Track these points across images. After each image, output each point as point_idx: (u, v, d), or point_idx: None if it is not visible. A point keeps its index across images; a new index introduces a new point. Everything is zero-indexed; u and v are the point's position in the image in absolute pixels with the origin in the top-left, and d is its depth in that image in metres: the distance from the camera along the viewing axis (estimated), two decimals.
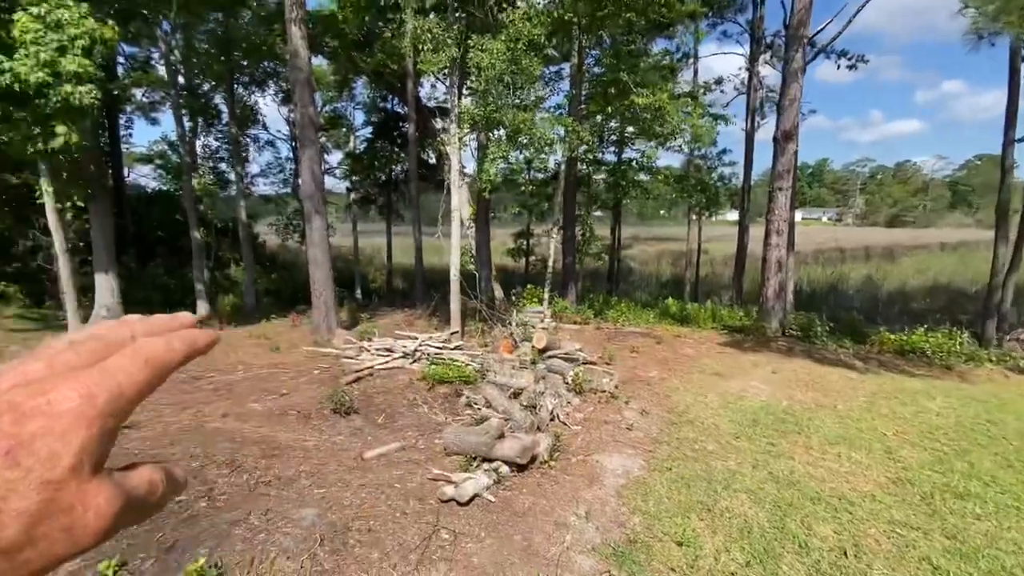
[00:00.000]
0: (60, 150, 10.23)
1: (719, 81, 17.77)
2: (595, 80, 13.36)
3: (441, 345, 8.51)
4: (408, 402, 6.65)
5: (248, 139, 21.84)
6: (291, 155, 22.73)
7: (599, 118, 13.36)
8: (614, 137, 15.95)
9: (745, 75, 17.81)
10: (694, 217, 19.38)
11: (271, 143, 24.25)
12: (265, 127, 21.94)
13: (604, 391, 7.04)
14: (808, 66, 12.23)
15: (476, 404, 6.27)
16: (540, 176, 17.97)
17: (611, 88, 11.48)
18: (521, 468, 4.84)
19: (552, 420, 5.99)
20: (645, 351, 9.81)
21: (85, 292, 14.29)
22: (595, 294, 15.16)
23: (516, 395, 6.17)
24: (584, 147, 11.21)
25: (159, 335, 0.34)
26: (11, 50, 9.28)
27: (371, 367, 7.83)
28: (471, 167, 14.13)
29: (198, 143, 20.43)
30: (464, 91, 10.84)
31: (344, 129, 20.81)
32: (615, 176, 15.63)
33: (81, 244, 15.58)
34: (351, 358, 8.35)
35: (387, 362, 8.05)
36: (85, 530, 0.27)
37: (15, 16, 9.31)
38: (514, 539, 3.91)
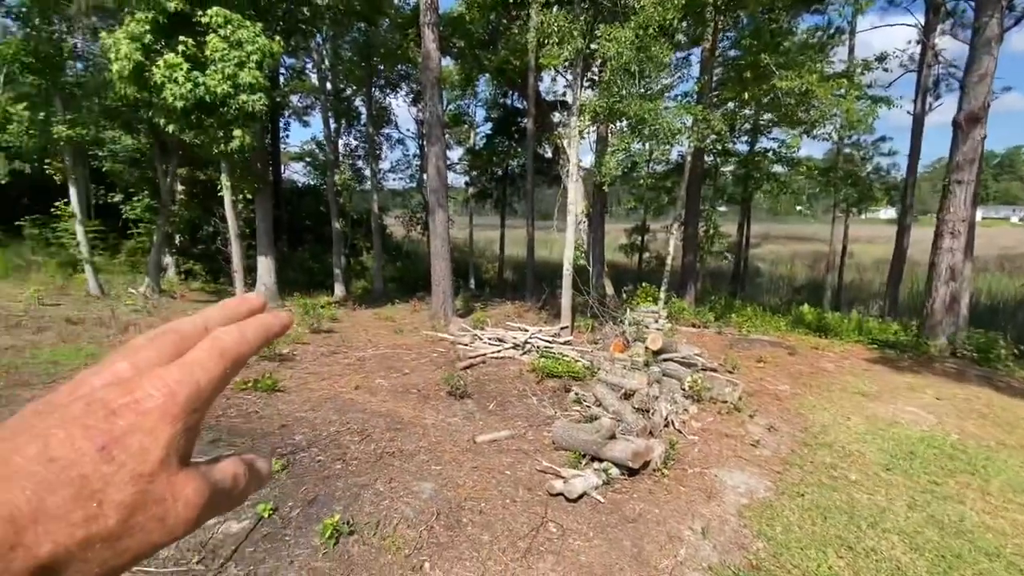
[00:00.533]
0: (236, 151, 11.99)
1: (881, 58, 15.36)
2: (729, 64, 12.34)
3: (551, 339, 8.54)
4: (518, 392, 6.78)
5: (381, 138, 23.79)
6: (418, 152, 24.38)
7: (731, 105, 12.33)
8: (747, 125, 14.61)
9: (916, 49, 15.20)
10: (839, 214, 17.12)
11: (401, 141, 26.16)
12: (397, 126, 23.68)
13: (726, 401, 6.53)
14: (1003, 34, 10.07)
15: (585, 401, 6.19)
16: (659, 169, 17.16)
17: (748, 72, 10.52)
18: (632, 472, 4.67)
19: (666, 426, 5.70)
20: (774, 362, 8.92)
21: (249, 272, 16.71)
22: (716, 296, 14.13)
23: (627, 396, 5.97)
24: (713, 137, 10.42)
25: (233, 324, 0.35)
26: (204, 67, 11.06)
27: (483, 355, 8.12)
28: (587, 160, 13.94)
29: (340, 142, 22.74)
30: (584, 83, 10.69)
31: (466, 126, 21.75)
32: (747, 168, 14.33)
33: (248, 231, 18.24)
34: (465, 345, 8.74)
35: (498, 351, 8.29)
36: (176, 519, 0.29)
37: (208, 38, 11.06)
38: (623, 544, 3.79)
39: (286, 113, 25.61)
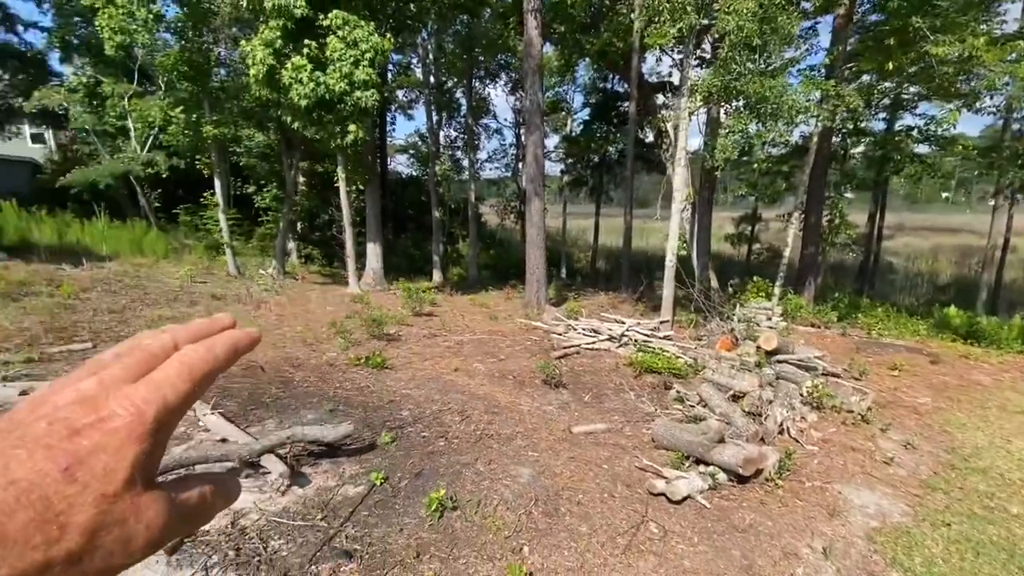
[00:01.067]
0: (350, 144, 12.90)
1: None
2: (868, 31, 10.84)
3: (650, 333, 8.22)
4: (614, 386, 6.61)
5: (480, 128, 24.34)
6: (514, 141, 24.63)
7: (867, 78, 10.86)
8: (886, 100, 12.79)
9: None
10: (1003, 202, 14.48)
11: (498, 131, 26.58)
12: (495, 116, 24.05)
13: (851, 411, 5.85)
14: None
15: (688, 400, 5.87)
16: (775, 152, 15.67)
17: (891, 39, 9.17)
18: (741, 480, 4.35)
19: (780, 433, 5.23)
20: (912, 370, 7.83)
21: (359, 257, 18.02)
22: (840, 293, 12.68)
23: (736, 398, 5.57)
24: (844, 114, 9.23)
25: (201, 341, 0.34)
26: (324, 67, 11.98)
27: (578, 345, 8.03)
28: (694, 144, 13.09)
29: (441, 134, 23.62)
30: (694, 61, 10.00)
31: (563, 113, 21.51)
32: (883, 149, 12.57)
33: (358, 219, 19.66)
34: (559, 334, 8.70)
35: (593, 343, 8.14)
36: (138, 541, 0.28)
37: (328, 40, 11.95)
38: (731, 553, 3.55)
39: (392, 108, 27.06)
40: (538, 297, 11.57)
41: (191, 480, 0.34)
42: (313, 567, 2.92)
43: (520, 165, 26.16)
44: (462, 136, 24.08)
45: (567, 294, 14.52)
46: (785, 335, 7.44)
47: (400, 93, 26.28)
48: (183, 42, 14.06)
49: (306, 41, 11.57)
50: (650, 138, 18.08)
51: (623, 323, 8.61)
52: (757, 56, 7.32)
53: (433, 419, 5.03)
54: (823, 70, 10.86)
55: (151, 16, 12.91)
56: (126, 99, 18.49)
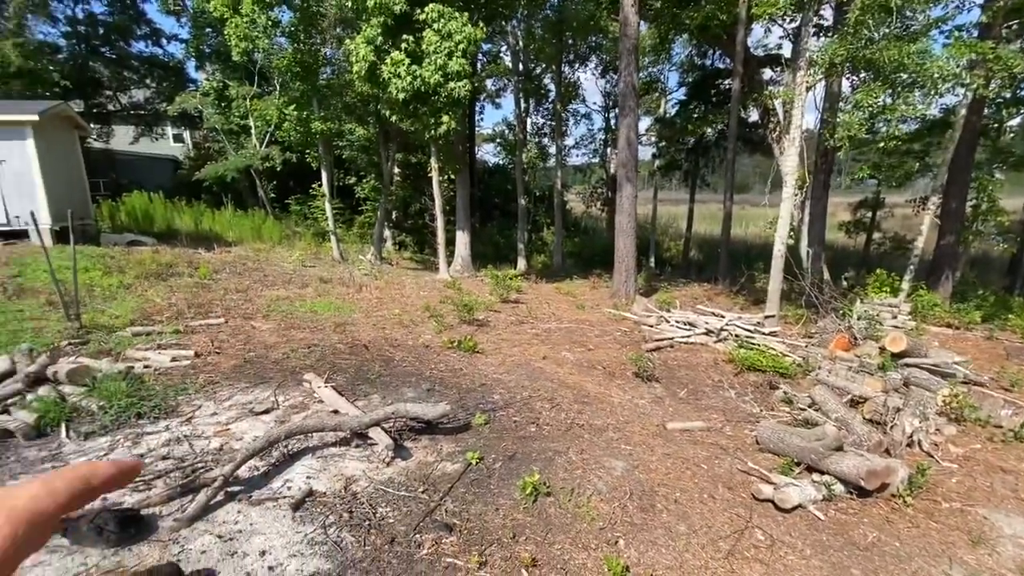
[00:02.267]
0: (443, 135, 13.30)
1: None
2: None
3: (752, 328, 7.66)
4: (712, 383, 6.27)
5: (568, 114, 23.97)
6: (603, 126, 24.00)
7: None
8: None
9: None
10: None
11: (587, 116, 26.02)
12: (584, 100, 23.51)
13: (1000, 426, 5.07)
14: None
15: (798, 402, 5.41)
16: (905, 128, 13.75)
17: None
18: (862, 493, 3.94)
19: (910, 446, 4.65)
20: None
21: (448, 244, 18.64)
22: (984, 290, 10.96)
23: (855, 403, 5.03)
24: (1002, 80, 7.81)
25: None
26: (420, 61, 12.39)
27: (671, 338, 7.70)
28: (808, 121, 11.90)
29: (528, 121, 23.60)
30: (811, 29, 9.01)
31: (656, 94, 20.55)
32: None
33: (447, 208, 20.31)
34: (650, 326, 8.40)
35: (688, 336, 7.76)
36: None
37: (424, 34, 12.33)
38: (851, 572, 3.23)
39: (481, 97, 27.49)
40: (627, 287, 11.26)
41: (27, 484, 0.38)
42: (417, 536, 3.08)
43: (608, 150, 25.47)
44: (549, 123, 23.90)
45: (657, 284, 14.00)
46: (914, 335, 6.58)
47: (489, 82, 26.59)
48: (296, 44, 15.21)
49: (404, 36, 12.04)
50: (754, 117, 16.73)
51: (722, 316, 8.11)
52: (893, 18, 6.38)
53: (523, 405, 5.09)
54: (974, 30, 9.29)
55: (270, 23, 14.10)
56: (248, 100, 20.46)
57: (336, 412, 4.50)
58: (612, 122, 24.38)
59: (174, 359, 5.74)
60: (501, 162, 29.14)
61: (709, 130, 17.91)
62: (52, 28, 22.38)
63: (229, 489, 3.32)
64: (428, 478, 3.70)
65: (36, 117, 11.46)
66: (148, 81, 26.39)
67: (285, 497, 3.33)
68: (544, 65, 21.20)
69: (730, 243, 14.38)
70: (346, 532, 3.06)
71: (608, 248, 24.04)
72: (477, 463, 3.90)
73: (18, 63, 17.51)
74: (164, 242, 14.42)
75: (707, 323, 7.98)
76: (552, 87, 21.10)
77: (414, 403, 4.29)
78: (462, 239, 17.30)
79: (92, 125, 22.93)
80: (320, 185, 16.69)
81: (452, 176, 15.66)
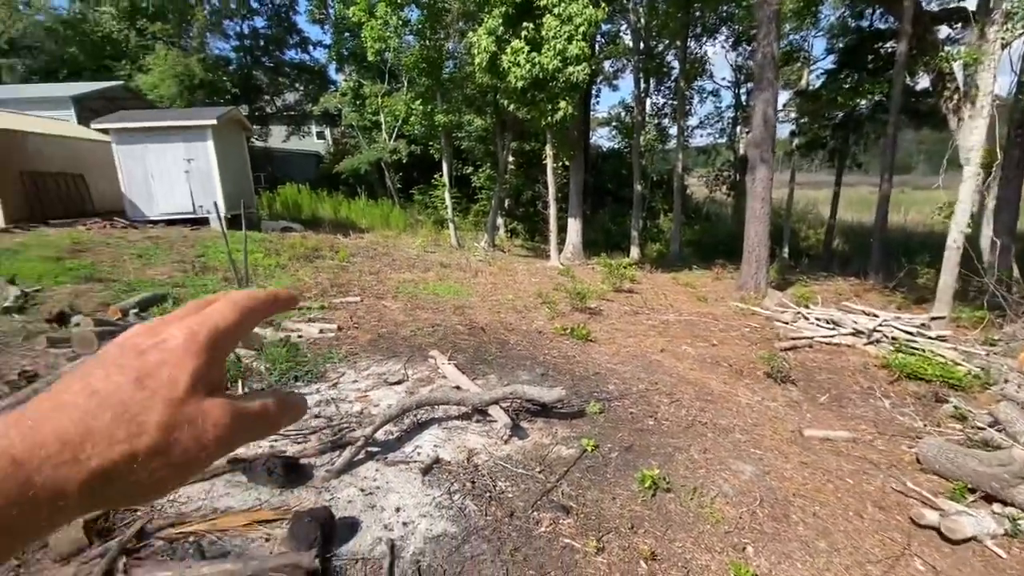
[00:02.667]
0: (559, 121, 13.23)
1: None
2: None
3: (915, 330, 6.61)
4: (861, 389, 5.54)
5: (692, 92, 22.48)
6: (732, 103, 22.14)
7: None
8: None
9: None
10: None
11: (714, 93, 24.22)
12: (711, 76, 21.90)
13: None
14: None
15: (974, 420, 4.57)
16: None
17: None
18: None
19: None
20: None
21: (560, 231, 18.66)
22: None
23: None
24: None
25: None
26: (539, 47, 12.41)
27: (810, 338, 6.93)
28: (997, 87, 9.81)
29: (648, 102, 22.58)
30: None
31: (797, 64, 18.39)
32: None
33: (559, 195, 20.30)
34: (785, 323, 7.64)
35: (831, 336, 6.92)
36: (208, 438, 0.34)
37: (544, 19, 12.30)
38: None
39: (598, 80, 26.84)
40: (756, 279, 10.35)
41: (257, 395, 0.39)
42: (535, 513, 3.16)
43: (738, 129, 23.48)
44: (671, 102, 22.65)
45: (791, 277, 12.69)
46: None
47: (606, 64, 25.86)
48: (422, 41, 16.09)
49: (524, 24, 12.13)
50: (922, 84, 14.25)
51: (875, 316, 7.10)
52: None
53: (640, 397, 4.94)
54: None
55: (400, 22, 15.06)
56: (379, 97, 22.18)
57: (458, 388, 4.77)
58: (743, 98, 22.37)
59: (321, 331, 6.50)
60: (616, 146, 28.33)
61: (863, 102, 15.62)
62: (225, 43, 26.21)
63: (369, 449, 3.69)
64: (544, 459, 3.77)
65: (215, 121, 13.53)
66: (297, 85, 29.83)
67: (415, 462, 3.61)
68: (667, 41, 20.07)
69: (885, 231, 12.49)
70: (469, 500, 3.23)
71: (733, 236, 22.31)
72: (592, 450, 3.89)
73: (201, 75, 20.81)
74: (309, 228, 16.33)
75: (855, 322, 7.04)
76: (675, 64, 19.92)
77: (532, 386, 4.39)
78: (574, 226, 17.20)
79: (254, 126, 26.59)
80: (440, 175, 17.63)
81: (566, 162, 15.57)
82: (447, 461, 3.66)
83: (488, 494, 3.32)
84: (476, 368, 5.45)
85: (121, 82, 20.50)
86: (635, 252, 18.11)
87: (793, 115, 18.24)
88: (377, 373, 5.17)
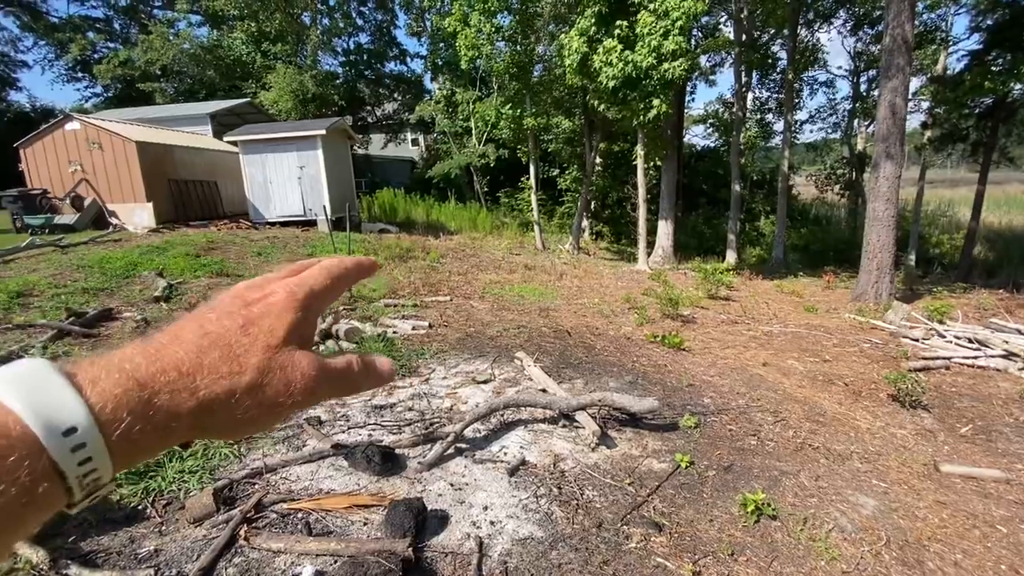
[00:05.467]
0: (652, 120, 12.77)
1: None
2: None
3: None
4: (1015, 422, 4.71)
5: (801, 83, 20.70)
6: (849, 94, 20.03)
7: None
8: None
9: None
10: None
11: (828, 83, 22.15)
12: (824, 65, 20.04)
13: None
14: None
15: None
16: None
17: None
18: None
19: None
20: None
21: (648, 234, 18.02)
22: None
23: None
24: None
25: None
26: (633, 45, 12.07)
27: (947, 358, 6.02)
28: None
29: (749, 96, 21.13)
30: None
31: (932, 47, 16.24)
32: None
33: (649, 196, 19.62)
34: (915, 340, 6.71)
35: (975, 357, 5.97)
36: (296, 385, 0.37)
37: (639, 16, 11.95)
38: None
39: (694, 76, 25.64)
40: (878, 289, 9.24)
41: (342, 355, 0.42)
42: (624, 527, 3.03)
43: (856, 123, 21.26)
44: (775, 95, 21.00)
45: (919, 288, 11.19)
46: None
47: (703, 59, 24.62)
48: (513, 47, 16.34)
49: (618, 22, 11.87)
50: None
51: None
52: None
53: (740, 413, 4.59)
54: None
55: (493, 29, 15.41)
56: (470, 104, 22.87)
57: (544, 391, 4.73)
58: (863, 88, 20.17)
59: (414, 328, 6.79)
60: (712, 144, 26.85)
61: (1017, 86, 13.41)
62: (333, 59, 28.47)
63: (458, 445, 3.77)
64: (633, 472, 3.61)
65: (324, 131, 14.71)
66: (395, 95, 31.66)
67: (502, 461, 3.63)
68: (775, 29, 18.65)
69: None
70: (555, 506, 3.18)
71: (847, 241, 20.29)
72: (687, 467, 3.66)
73: (312, 90, 22.77)
74: (404, 230, 17.23)
75: (1006, 343, 6.01)
76: (783, 54, 18.45)
77: (621, 394, 4.24)
78: (664, 229, 16.53)
79: (356, 135, 28.65)
80: (527, 178, 17.80)
81: (658, 162, 15.00)
82: (533, 464, 3.64)
83: (575, 501, 3.24)
84: (562, 372, 5.38)
85: (247, 99, 23.08)
86: (731, 257, 17.00)
87: (925, 105, 16.11)
88: (465, 371, 5.29)
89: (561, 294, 9.67)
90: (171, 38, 24.27)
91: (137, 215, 13.97)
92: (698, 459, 3.78)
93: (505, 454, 3.75)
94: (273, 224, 14.92)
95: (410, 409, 4.38)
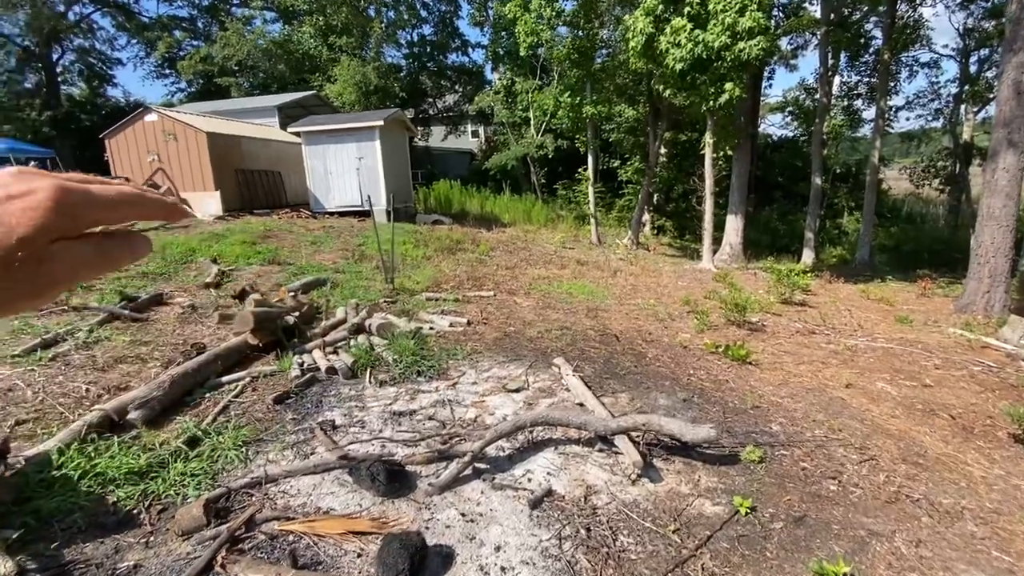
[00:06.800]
0: (723, 105, 11.69)
1: None
2: None
3: None
4: None
5: (898, 65, 18.47)
6: (956, 76, 17.59)
7: None
8: None
9: None
10: None
11: (931, 64, 19.71)
12: (927, 43, 17.81)
13: None
14: None
15: None
16: None
17: None
18: None
19: None
20: None
21: (714, 230, 16.78)
22: None
23: None
24: None
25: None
26: (704, 24, 11.05)
27: None
28: None
29: (836, 81, 19.14)
30: None
31: None
32: None
33: (717, 189, 18.28)
34: None
35: None
36: (43, 279, 0.37)
37: None
38: None
39: (771, 60, 23.69)
40: (989, 299, 7.89)
41: (93, 238, 0.40)
42: None
43: (963, 108, 18.70)
44: (867, 79, 18.86)
45: None
46: None
47: (783, 41, 22.64)
48: (575, 31, 15.60)
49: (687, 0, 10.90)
50: None
51: None
52: None
53: (817, 447, 3.85)
54: None
55: (553, 13, 14.75)
56: (529, 93, 22.28)
57: (582, 405, 4.22)
58: (972, 69, 17.66)
59: (451, 324, 6.46)
60: (790, 134, 24.73)
61: None
62: (396, 51, 28.80)
63: (476, 465, 3.36)
64: (680, 514, 3.03)
65: (382, 122, 14.72)
66: (456, 87, 31.65)
67: (525, 489, 3.17)
68: (867, 7, 16.66)
69: None
70: (581, 553, 2.68)
71: (945, 241, 18.02)
72: (747, 513, 3.03)
73: (375, 82, 23.09)
74: (457, 222, 17.04)
75: None
76: (877, 33, 16.46)
77: (670, 417, 3.64)
78: (733, 224, 15.29)
79: (417, 127, 28.89)
80: (585, 169, 17.07)
81: (729, 152, 13.83)
82: (560, 495, 3.15)
83: (605, 548, 2.73)
84: (605, 383, 4.83)
85: (313, 91, 23.81)
86: (808, 256, 15.47)
87: None
88: (498, 376, 4.87)
89: (613, 293, 9.02)
90: (246, 34, 25.46)
91: (206, 203, 14.65)
92: (761, 504, 3.14)
93: (529, 480, 3.28)
94: (332, 214, 15.19)
95: (431, 418, 4.01)
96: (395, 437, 3.66)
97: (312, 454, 3.50)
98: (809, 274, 10.63)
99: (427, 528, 2.80)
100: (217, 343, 5.08)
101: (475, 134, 34.33)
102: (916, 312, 8.54)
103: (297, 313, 5.67)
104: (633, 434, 3.62)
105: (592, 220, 16.82)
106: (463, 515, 2.92)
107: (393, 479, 3.06)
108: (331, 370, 4.72)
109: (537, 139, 22.75)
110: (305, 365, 4.79)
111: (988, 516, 3.19)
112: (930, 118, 20.79)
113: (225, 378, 4.52)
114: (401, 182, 16.72)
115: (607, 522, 2.93)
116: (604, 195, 21.33)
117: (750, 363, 5.51)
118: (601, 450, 3.64)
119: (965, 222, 17.86)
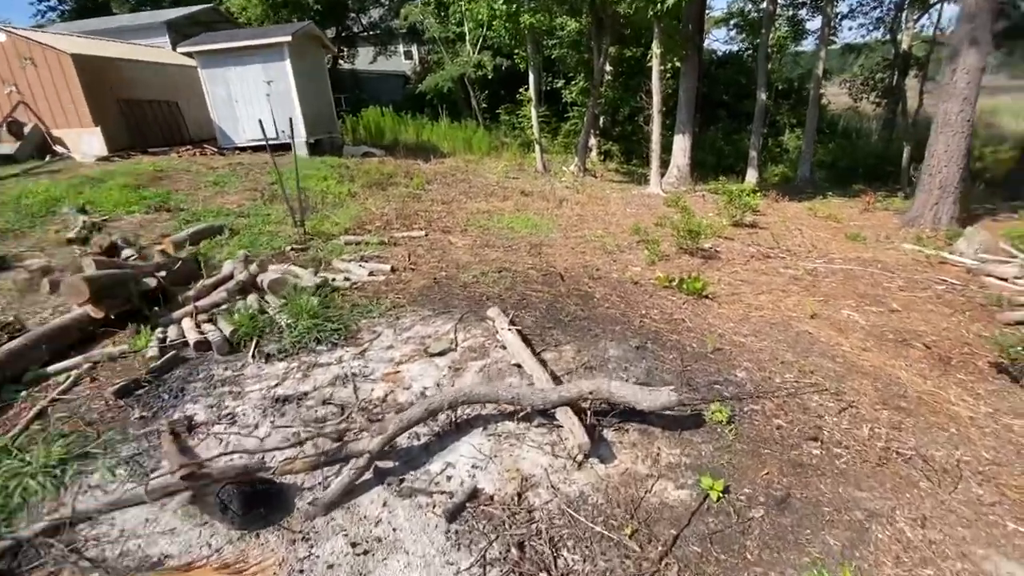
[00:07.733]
0: (671, 9, 10.52)
1: None
2: None
3: None
4: None
5: None
6: None
7: None
8: None
9: None
10: None
11: None
12: None
13: None
14: None
15: None
16: None
17: None
18: None
19: None
20: None
21: (661, 151, 16.00)
22: None
23: None
24: None
25: None
26: None
27: None
28: None
29: None
30: None
31: None
32: None
33: (664, 108, 17.32)
34: (1004, 279, 5.28)
35: None
36: None
37: None
38: None
39: None
40: (937, 212, 7.65)
41: None
42: None
43: (903, 16, 18.23)
44: None
45: (978, 208, 9.50)
46: None
47: None
48: None
49: None
50: None
51: None
52: None
53: (789, 397, 3.31)
54: None
55: None
56: (463, 3, 19.82)
57: (519, 367, 3.48)
58: None
59: (371, 273, 5.48)
60: (735, 48, 23.71)
61: None
62: None
63: (379, 465, 2.57)
64: (638, 507, 2.40)
65: (290, 38, 12.54)
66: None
67: (442, 492, 2.43)
68: None
69: None
70: None
71: (878, 155, 18.16)
72: (719, 499, 2.44)
73: None
74: (391, 153, 15.38)
75: None
76: None
77: (624, 384, 2.95)
78: (680, 144, 14.57)
79: (341, 48, 25.59)
80: (526, 88, 15.58)
81: (677, 64, 12.77)
82: (488, 495, 2.44)
83: (544, 573, 2.06)
84: (547, 334, 4.09)
85: (211, 4, 20.27)
86: (752, 176, 15.09)
87: None
88: (420, 336, 4.02)
89: (559, 225, 8.20)
90: None
91: (85, 142, 12.30)
92: (735, 484, 2.55)
93: (449, 479, 2.54)
94: (244, 149, 13.18)
95: (326, 401, 3.14)
96: (271, 436, 2.79)
97: (158, 467, 2.60)
98: (757, 193, 10.18)
99: (300, 573, 2.02)
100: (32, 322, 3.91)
101: (408, 55, 31.12)
102: (864, 228, 8.27)
103: (163, 272, 4.49)
104: (581, 402, 2.92)
105: (537, 147, 15.62)
106: (354, 545, 2.15)
107: (254, 504, 2.23)
108: (203, 344, 3.70)
109: (474, 57, 20.69)
110: (168, 341, 3.75)
111: (988, 470, 2.75)
112: (871, 27, 20.30)
113: (53, 367, 3.43)
114: (323, 110, 14.70)
115: (547, 531, 2.25)
116: (549, 119, 19.91)
117: (707, 297, 4.92)
118: (541, 425, 2.94)
119: (899, 136, 17.97)
